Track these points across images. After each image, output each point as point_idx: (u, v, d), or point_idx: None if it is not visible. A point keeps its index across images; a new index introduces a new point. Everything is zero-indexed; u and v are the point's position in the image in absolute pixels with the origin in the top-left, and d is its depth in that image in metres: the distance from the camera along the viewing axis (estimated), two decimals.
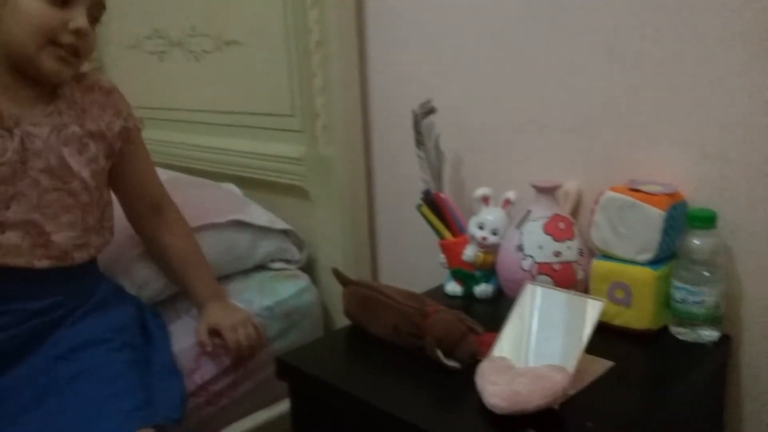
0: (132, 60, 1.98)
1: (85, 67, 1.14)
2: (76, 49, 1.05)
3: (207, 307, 1.23)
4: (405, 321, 0.95)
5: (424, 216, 1.20)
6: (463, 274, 1.15)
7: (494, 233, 1.10)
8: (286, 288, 1.41)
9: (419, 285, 1.20)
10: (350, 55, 1.38)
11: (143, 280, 1.28)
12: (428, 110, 1.20)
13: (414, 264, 1.41)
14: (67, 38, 1.02)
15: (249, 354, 1.21)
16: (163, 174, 1.65)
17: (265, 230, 1.46)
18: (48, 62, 1.03)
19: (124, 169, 1.20)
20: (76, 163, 1.08)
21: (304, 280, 1.46)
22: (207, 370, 1.20)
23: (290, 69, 1.48)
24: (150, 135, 1.93)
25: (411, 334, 0.95)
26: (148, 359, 1.13)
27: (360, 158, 1.44)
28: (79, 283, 1.12)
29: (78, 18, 1.02)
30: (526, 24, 1.14)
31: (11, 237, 1.02)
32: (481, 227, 1.11)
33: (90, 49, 1.08)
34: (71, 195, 1.07)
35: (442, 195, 1.19)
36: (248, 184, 1.61)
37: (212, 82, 1.72)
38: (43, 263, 1.05)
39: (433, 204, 1.19)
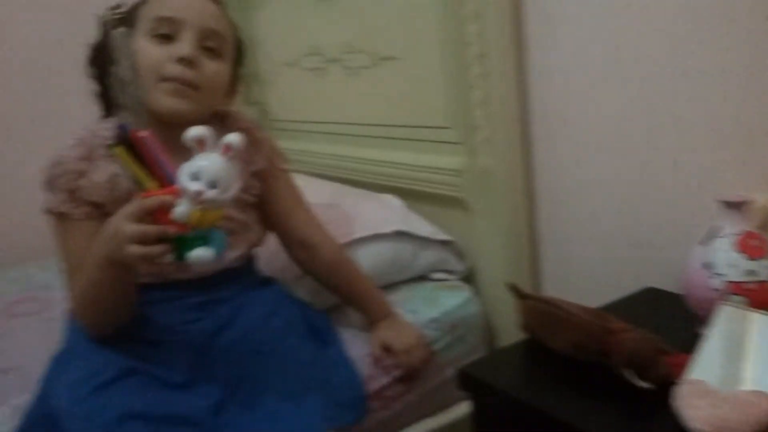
0: (290, 77, 2.08)
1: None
2: (190, 81, 1.01)
3: (378, 324, 1.26)
4: (589, 338, 0.95)
5: (120, 159, 0.92)
6: (174, 237, 0.89)
7: (213, 186, 0.86)
8: (449, 299, 1.42)
9: (588, 299, 1.18)
10: (511, 67, 1.38)
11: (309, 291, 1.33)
12: (120, 16, 0.98)
13: (582, 276, 1.39)
14: (172, 69, 1.00)
15: (419, 373, 1.24)
16: (328, 186, 1.74)
17: (426, 241, 1.49)
18: (162, 99, 1.00)
19: (266, 208, 1.21)
20: None
21: (466, 291, 1.47)
22: (381, 379, 1.23)
23: (446, 82, 1.50)
24: (309, 147, 2.04)
25: (596, 352, 0.94)
26: (325, 355, 1.16)
27: (520, 169, 1.43)
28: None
29: (183, 47, 1.00)
30: (683, 23, 1.09)
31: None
32: (195, 178, 0.86)
33: (211, 82, 1.03)
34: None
35: (141, 134, 0.91)
36: (407, 195, 1.64)
37: (369, 97, 1.78)
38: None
39: (129, 145, 0.91)
